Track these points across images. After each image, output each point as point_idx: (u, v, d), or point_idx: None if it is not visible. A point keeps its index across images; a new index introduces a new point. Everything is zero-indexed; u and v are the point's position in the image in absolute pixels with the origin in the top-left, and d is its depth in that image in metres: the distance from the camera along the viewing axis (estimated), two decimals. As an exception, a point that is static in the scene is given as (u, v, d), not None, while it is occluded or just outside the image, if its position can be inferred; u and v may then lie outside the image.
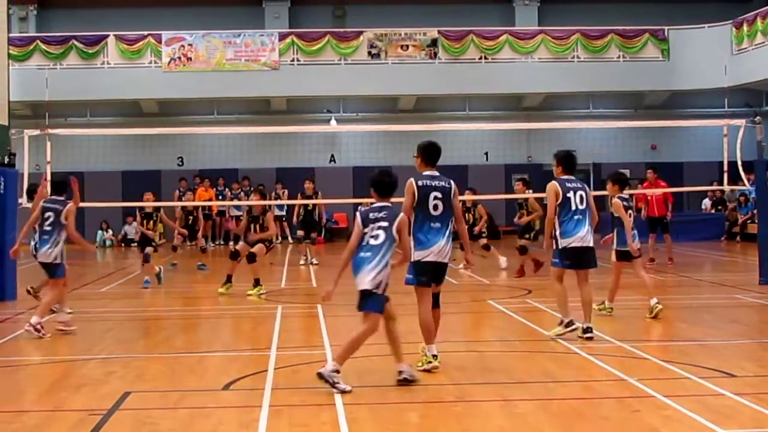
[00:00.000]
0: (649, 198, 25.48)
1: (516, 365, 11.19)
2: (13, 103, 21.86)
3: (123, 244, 37.08)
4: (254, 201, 20.51)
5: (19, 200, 19.28)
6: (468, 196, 22.91)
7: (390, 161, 35.57)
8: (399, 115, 38.42)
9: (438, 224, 10.79)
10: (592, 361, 11.19)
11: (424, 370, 10.68)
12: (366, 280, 10.02)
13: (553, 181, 12.70)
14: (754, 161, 20.26)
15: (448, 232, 10.83)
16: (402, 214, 10.36)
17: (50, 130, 21.17)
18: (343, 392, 9.55)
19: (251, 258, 18.93)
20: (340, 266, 10.21)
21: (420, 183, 10.83)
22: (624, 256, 15.28)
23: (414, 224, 10.76)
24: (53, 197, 14.53)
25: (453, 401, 9.34)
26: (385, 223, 10.11)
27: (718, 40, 36.17)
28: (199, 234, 25.67)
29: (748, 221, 33.74)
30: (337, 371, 9.79)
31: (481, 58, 36.86)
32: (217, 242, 35.92)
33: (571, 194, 12.87)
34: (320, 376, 9.75)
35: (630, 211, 15.34)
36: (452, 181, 10.99)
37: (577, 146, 39.09)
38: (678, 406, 8.76)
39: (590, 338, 12.50)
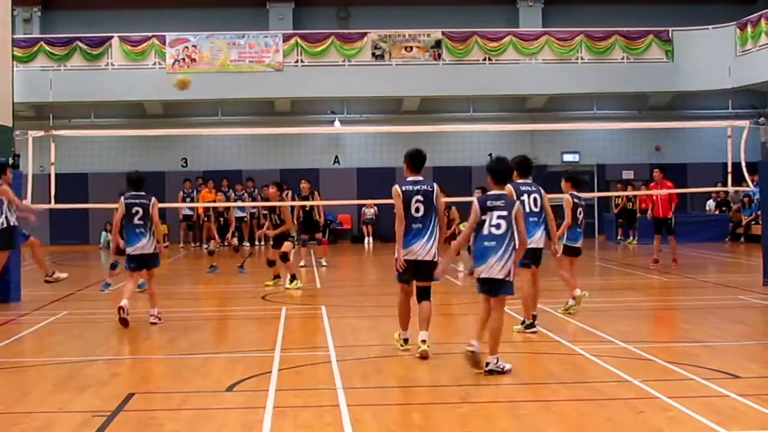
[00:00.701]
0: (654, 198, 25.47)
1: (520, 366, 11.18)
2: (17, 104, 21.90)
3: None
4: (270, 198, 20.98)
5: (24, 201, 19.28)
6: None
7: (394, 163, 35.43)
8: (403, 116, 38.42)
9: (419, 225, 11.66)
10: (596, 362, 11.18)
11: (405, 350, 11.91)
12: (497, 269, 10.58)
13: (509, 185, 12.61)
14: (758, 162, 20.25)
15: (429, 233, 11.66)
16: (517, 203, 11.04)
17: (54, 132, 21.16)
18: (509, 372, 10.43)
19: (284, 257, 20.17)
20: (456, 248, 11.89)
21: (404, 188, 11.76)
22: (571, 252, 15.33)
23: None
24: (134, 193, 15.19)
25: (457, 402, 9.33)
26: (504, 212, 10.70)
27: (722, 42, 36.14)
28: (228, 235, 25.60)
29: (752, 222, 33.73)
30: (497, 359, 10.56)
31: (485, 60, 36.86)
32: (221, 243, 35.82)
33: (525, 197, 13.27)
34: (491, 372, 10.42)
35: (580, 210, 15.68)
36: (435, 185, 11.84)
37: (581, 147, 39.28)
38: (682, 408, 8.75)
39: (534, 332, 13.42)
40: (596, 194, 38.33)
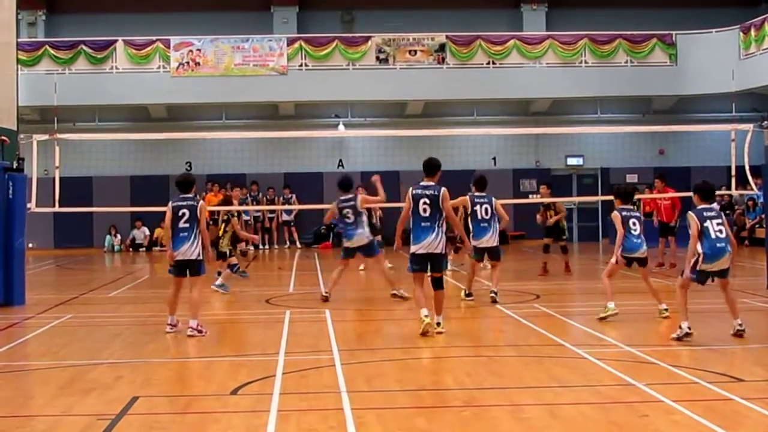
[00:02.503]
0: (658, 204, 25.46)
1: (524, 370, 11.19)
2: (21, 108, 21.94)
3: (131, 249, 37.13)
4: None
5: (28, 205, 19.32)
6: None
7: (398, 166, 35.71)
8: (407, 120, 38.45)
9: (428, 223, 13.61)
10: (600, 365, 11.19)
11: (422, 333, 13.36)
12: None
13: (466, 196, 17.48)
14: (762, 166, 20.27)
15: (436, 229, 13.58)
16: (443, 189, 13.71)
17: (58, 135, 21.26)
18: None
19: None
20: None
21: (413, 192, 13.76)
22: (626, 262, 15.59)
23: (411, 224, 13.70)
24: (182, 196, 14.61)
25: (461, 406, 9.34)
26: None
27: (726, 45, 36.13)
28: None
29: (756, 226, 33.73)
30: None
31: (489, 63, 36.87)
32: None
33: (477, 207, 17.37)
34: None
35: (633, 221, 15.76)
36: (443, 189, 13.73)
37: (584, 151, 39.31)
38: (686, 411, 8.75)
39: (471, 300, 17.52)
40: (600, 198, 38.33)
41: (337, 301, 18.31)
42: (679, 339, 12.75)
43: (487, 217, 17.38)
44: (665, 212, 25.16)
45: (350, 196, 18.20)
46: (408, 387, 10.39)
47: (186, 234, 14.29)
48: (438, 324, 13.53)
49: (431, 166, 14.00)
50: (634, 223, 15.55)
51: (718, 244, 12.77)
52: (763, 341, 13.08)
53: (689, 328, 12.76)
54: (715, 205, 13.79)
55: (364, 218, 18.22)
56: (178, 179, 14.95)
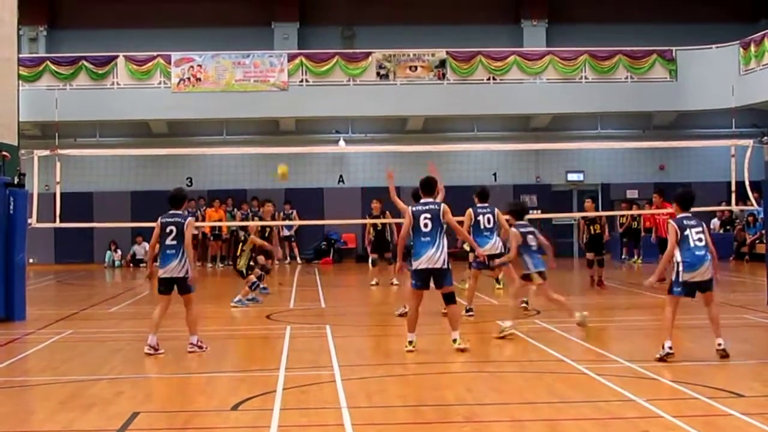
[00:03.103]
0: (657, 220, 25.52)
1: (524, 385, 11.19)
2: (22, 123, 21.96)
3: (132, 265, 37.14)
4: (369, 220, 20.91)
5: (29, 220, 19.34)
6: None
7: (399, 182, 35.56)
8: (407, 135, 38.47)
9: (428, 238, 13.66)
10: (600, 381, 11.19)
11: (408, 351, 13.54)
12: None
13: (470, 209, 17.82)
14: (762, 181, 20.27)
15: (437, 244, 13.65)
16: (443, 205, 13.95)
17: (59, 151, 21.27)
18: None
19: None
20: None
21: (414, 209, 13.94)
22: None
23: (412, 239, 13.85)
24: (172, 212, 14.21)
25: (462, 422, 9.34)
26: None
27: (726, 61, 36.20)
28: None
29: (757, 241, 33.74)
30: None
31: (489, 79, 36.93)
32: (226, 263, 35.77)
33: (481, 217, 17.71)
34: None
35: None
36: (442, 204, 14.12)
37: (585, 167, 39.33)
38: (687, 427, 8.75)
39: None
40: (601, 213, 38.28)
41: (337, 317, 18.30)
42: (661, 359, 12.44)
43: (490, 227, 17.69)
44: (663, 228, 25.19)
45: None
46: (409, 402, 10.39)
47: (173, 251, 13.91)
48: (454, 341, 13.57)
49: (429, 185, 14.17)
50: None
51: (697, 252, 12.71)
52: (763, 357, 13.09)
53: (671, 348, 12.48)
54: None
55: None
56: (170, 194, 14.60)
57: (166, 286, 14.06)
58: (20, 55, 23.08)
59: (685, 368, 12.25)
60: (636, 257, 34.68)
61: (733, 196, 21.77)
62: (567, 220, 38.75)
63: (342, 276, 30.50)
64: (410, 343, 13.63)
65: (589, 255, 24.42)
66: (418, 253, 13.60)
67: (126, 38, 38.65)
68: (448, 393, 10.79)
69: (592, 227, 24.49)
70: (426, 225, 13.62)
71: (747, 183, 20.72)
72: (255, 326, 17.75)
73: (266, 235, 22.25)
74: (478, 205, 18.07)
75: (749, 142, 20.89)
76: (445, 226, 13.76)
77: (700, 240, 12.82)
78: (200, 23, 39.33)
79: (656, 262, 25.64)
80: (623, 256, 35.62)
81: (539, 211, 37.74)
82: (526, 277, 15.33)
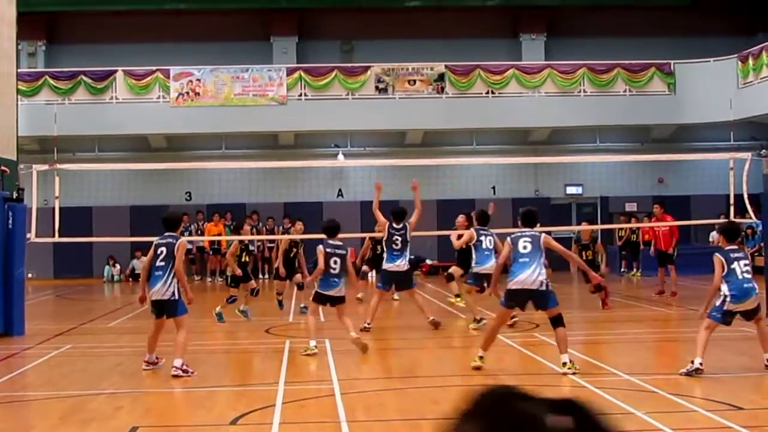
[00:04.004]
0: (656, 232, 25.50)
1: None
2: (21, 138, 22.00)
3: (131, 279, 37.12)
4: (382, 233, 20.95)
5: (28, 235, 19.35)
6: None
7: (397, 196, 35.70)
8: (406, 149, 38.50)
9: (526, 259, 13.51)
10: (599, 394, 11.19)
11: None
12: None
13: (471, 229, 18.92)
14: (760, 194, 20.29)
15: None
16: (543, 235, 13.51)
17: (58, 165, 21.29)
18: None
19: (450, 277, 20.61)
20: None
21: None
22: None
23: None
24: (166, 233, 13.92)
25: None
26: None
27: (724, 74, 36.25)
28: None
29: (755, 254, 33.74)
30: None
31: (488, 93, 36.97)
32: (224, 277, 35.68)
33: (483, 238, 18.42)
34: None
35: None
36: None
37: (584, 180, 39.34)
38: (686, 440, 8.76)
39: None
40: (600, 227, 38.33)
41: (336, 330, 18.30)
42: (688, 374, 12.43)
43: (490, 247, 18.34)
44: (663, 240, 25.19)
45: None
46: (408, 416, 10.39)
47: (160, 273, 13.53)
48: (564, 364, 12.70)
49: (531, 218, 13.89)
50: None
51: (745, 285, 12.82)
52: (762, 369, 13.07)
53: (701, 365, 12.45)
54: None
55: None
56: (164, 216, 14.48)
57: (156, 308, 13.71)
58: (19, 70, 23.09)
59: (684, 381, 12.25)
60: (635, 270, 34.68)
61: (732, 208, 21.78)
62: (566, 234, 38.68)
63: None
64: (480, 358, 13.09)
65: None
66: (514, 273, 13.13)
67: (125, 53, 38.71)
68: (447, 407, 10.75)
69: (585, 253, 22.77)
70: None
71: (746, 196, 20.73)
72: (254, 340, 17.75)
73: (292, 255, 22.43)
74: (479, 227, 18.80)
75: (748, 155, 20.92)
76: (542, 252, 13.28)
77: (747, 272, 12.96)
78: (199, 37, 39.39)
79: (655, 275, 25.73)
80: (622, 269, 35.63)
81: (539, 224, 37.78)
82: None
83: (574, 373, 12.53)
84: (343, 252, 15.41)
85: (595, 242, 23.44)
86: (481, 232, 18.61)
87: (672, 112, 36.92)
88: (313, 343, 14.95)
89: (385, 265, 18.34)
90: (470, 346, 16.36)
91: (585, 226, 24.33)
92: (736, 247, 13.26)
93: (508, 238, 13.41)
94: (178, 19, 39.78)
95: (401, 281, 18.46)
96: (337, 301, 15.36)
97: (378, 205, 19.31)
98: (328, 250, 15.25)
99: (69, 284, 34.84)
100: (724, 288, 12.78)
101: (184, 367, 13.24)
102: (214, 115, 35.95)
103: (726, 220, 13.97)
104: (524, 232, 13.39)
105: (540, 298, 12.99)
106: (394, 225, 18.48)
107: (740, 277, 12.81)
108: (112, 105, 36.40)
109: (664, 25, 40.02)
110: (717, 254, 13.09)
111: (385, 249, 18.74)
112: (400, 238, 18.29)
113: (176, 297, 13.49)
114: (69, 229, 24.04)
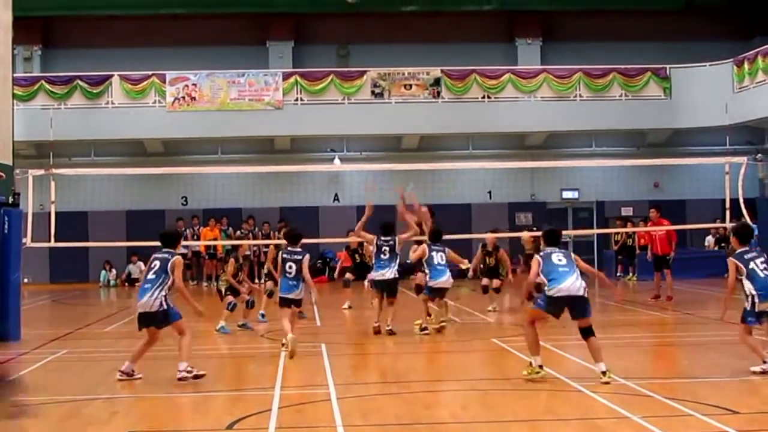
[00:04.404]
0: (653, 236, 25.51)
1: (519, 403, 11.19)
2: (17, 142, 21.96)
3: (127, 284, 37.09)
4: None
5: (24, 240, 19.33)
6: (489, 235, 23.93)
7: (393, 200, 35.64)
8: (402, 153, 38.45)
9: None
10: (595, 398, 11.19)
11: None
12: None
13: (423, 245, 19.16)
14: (756, 198, 20.33)
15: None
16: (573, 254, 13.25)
17: (54, 170, 21.30)
18: None
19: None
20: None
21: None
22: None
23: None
24: (164, 249, 13.59)
25: (457, 440, 9.34)
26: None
27: (720, 79, 36.29)
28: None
29: (752, 258, 33.70)
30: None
31: (484, 97, 36.98)
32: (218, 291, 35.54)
33: (434, 254, 18.79)
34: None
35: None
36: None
37: (580, 184, 39.33)
38: (682, 444, 8.76)
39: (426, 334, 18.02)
40: (595, 231, 38.40)
41: (332, 335, 18.29)
42: (764, 372, 12.65)
43: (443, 263, 18.78)
44: (660, 244, 25.17)
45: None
46: (404, 421, 10.39)
47: (148, 286, 13.19)
48: (603, 373, 12.31)
49: (555, 237, 13.45)
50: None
51: None
52: (759, 373, 13.06)
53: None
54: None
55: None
56: (162, 232, 14.21)
57: (143, 321, 13.41)
58: (15, 75, 23.07)
59: (680, 385, 12.26)
60: (631, 274, 34.68)
61: (728, 213, 21.81)
62: (562, 238, 38.70)
63: (337, 294, 30.41)
64: (541, 367, 12.68)
65: (485, 281, 23.37)
66: (555, 280, 12.61)
67: (120, 57, 38.68)
68: (443, 411, 10.78)
69: (488, 259, 23.44)
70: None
71: (741, 200, 20.77)
72: (250, 345, 17.74)
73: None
74: (431, 244, 19.13)
75: (743, 159, 20.98)
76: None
77: (766, 269, 12.98)
78: (195, 42, 39.37)
79: (651, 279, 25.74)
80: (618, 274, 35.62)
81: (534, 229, 37.79)
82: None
83: (608, 383, 12.11)
84: (299, 258, 16.03)
85: (498, 250, 23.58)
86: (434, 247, 18.94)
87: (668, 117, 36.95)
88: (289, 336, 15.15)
89: (373, 274, 18.88)
90: (464, 351, 16.38)
91: (526, 233, 24.10)
92: (747, 248, 13.21)
93: (537, 256, 12.93)
94: (174, 23, 39.78)
95: (390, 288, 18.52)
96: (296, 303, 16.27)
97: (363, 225, 19.37)
98: (285, 255, 16.14)
99: (65, 289, 34.80)
100: (750, 288, 12.90)
101: (189, 369, 13.04)
102: (210, 119, 35.95)
103: (739, 222, 13.92)
104: (554, 249, 13.01)
105: (580, 305, 12.62)
106: (383, 237, 18.86)
107: (762, 275, 12.88)
108: (108, 110, 36.38)
109: (660, 29, 40.08)
110: (731, 258, 13.14)
111: (374, 259, 19.07)
112: (388, 248, 18.65)
113: (164, 307, 13.16)
114: (65, 234, 24.05)
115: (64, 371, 14.40)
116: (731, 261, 13.06)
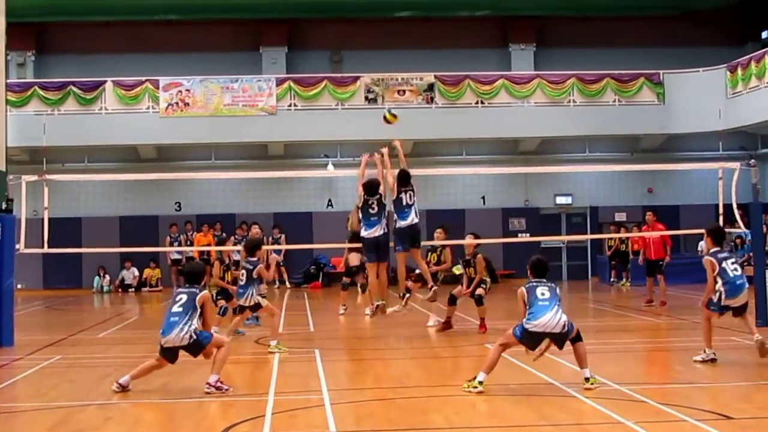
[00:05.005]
0: (647, 241, 25.52)
1: (513, 408, 11.18)
2: (10, 148, 21.96)
3: (120, 290, 37.07)
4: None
5: (17, 246, 19.30)
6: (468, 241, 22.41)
7: (388, 206, 35.65)
8: (396, 159, 38.40)
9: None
10: (589, 404, 11.19)
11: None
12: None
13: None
14: (749, 204, 20.35)
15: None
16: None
17: (48, 176, 21.21)
18: None
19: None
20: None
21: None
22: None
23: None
24: (189, 284, 13.24)
25: (450, 445, 9.33)
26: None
27: (713, 84, 36.36)
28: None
29: (744, 264, 33.75)
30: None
31: (477, 103, 37.02)
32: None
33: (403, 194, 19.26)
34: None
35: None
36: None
37: (573, 190, 39.40)
38: (675, 449, 8.76)
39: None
40: (589, 236, 38.45)
41: (326, 341, 18.28)
42: (704, 361, 14.05)
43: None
44: (655, 248, 25.21)
45: None
46: (398, 426, 10.38)
47: (176, 319, 12.75)
48: (587, 379, 12.26)
49: (542, 268, 12.91)
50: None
51: (737, 281, 14.31)
52: (752, 378, 13.09)
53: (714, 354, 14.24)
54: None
55: None
56: (185, 270, 13.93)
57: (169, 355, 12.98)
58: (8, 81, 23.06)
59: (674, 391, 12.27)
60: (624, 280, 34.69)
61: (721, 218, 21.77)
62: (556, 244, 38.80)
63: (331, 300, 30.41)
64: (480, 383, 12.25)
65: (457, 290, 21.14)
66: (534, 315, 12.33)
67: (114, 63, 38.69)
68: (437, 416, 10.77)
69: (467, 269, 21.00)
70: (543, 293, 12.48)
71: (735, 205, 20.75)
72: (244, 351, 17.71)
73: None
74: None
75: (737, 164, 20.93)
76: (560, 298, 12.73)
77: (736, 270, 14.37)
78: (188, 48, 39.39)
79: (645, 284, 25.75)
80: (612, 279, 35.65)
81: (528, 235, 37.84)
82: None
83: (595, 388, 12.09)
84: (250, 267, 17.07)
85: (475, 257, 22.17)
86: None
87: (661, 122, 37.01)
88: (273, 342, 16.72)
89: (363, 233, 18.04)
90: (458, 356, 16.37)
91: (470, 240, 22.36)
92: (720, 248, 14.70)
93: (522, 288, 12.60)
94: (167, 29, 39.79)
95: (382, 248, 17.97)
96: (251, 308, 17.47)
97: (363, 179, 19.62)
98: (242, 263, 17.46)
99: (58, 295, 34.76)
100: (719, 285, 14.29)
101: (218, 384, 12.66)
102: (203, 125, 35.95)
103: (715, 224, 14.68)
104: (540, 281, 12.64)
105: (559, 339, 12.40)
106: (367, 196, 18.81)
107: (731, 275, 14.25)
108: (101, 116, 36.37)
109: (654, 35, 40.16)
110: (707, 257, 14.56)
111: (361, 218, 18.48)
112: (375, 202, 18.61)
113: (195, 336, 12.77)
114: (58, 240, 23.96)
115: (57, 377, 14.37)
116: (707, 260, 14.47)
